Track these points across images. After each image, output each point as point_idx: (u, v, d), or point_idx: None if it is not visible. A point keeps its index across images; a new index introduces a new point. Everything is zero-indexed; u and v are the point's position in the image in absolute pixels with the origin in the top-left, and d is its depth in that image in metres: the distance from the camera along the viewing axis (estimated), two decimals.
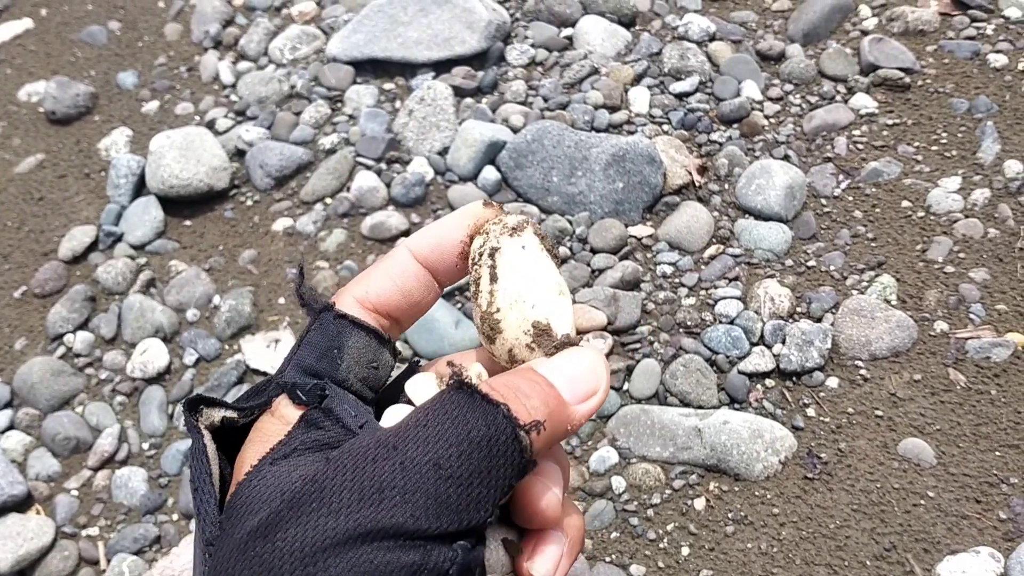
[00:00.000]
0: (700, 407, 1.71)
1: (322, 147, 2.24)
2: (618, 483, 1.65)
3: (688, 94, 2.22)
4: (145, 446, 1.82)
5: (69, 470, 1.81)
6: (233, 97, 2.41)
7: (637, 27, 2.42)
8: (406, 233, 2.04)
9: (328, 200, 2.14)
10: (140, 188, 2.24)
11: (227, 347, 1.93)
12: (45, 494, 1.77)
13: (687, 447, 1.66)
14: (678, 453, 1.66)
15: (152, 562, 1.66)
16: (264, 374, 1.86)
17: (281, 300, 2.00)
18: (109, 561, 1.67)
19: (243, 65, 2.49)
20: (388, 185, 2.12)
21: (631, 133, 2.11)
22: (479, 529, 0.42)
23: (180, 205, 2.19)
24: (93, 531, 1.72)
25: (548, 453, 0.48)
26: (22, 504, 1.75)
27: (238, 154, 2.26)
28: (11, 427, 1.86)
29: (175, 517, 1.72)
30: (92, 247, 2.15)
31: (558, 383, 0.47)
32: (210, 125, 2.32)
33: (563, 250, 1.94)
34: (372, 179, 2.12)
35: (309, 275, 2.02)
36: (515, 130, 2.14)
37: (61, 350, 1.97)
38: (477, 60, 2.35)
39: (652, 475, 1.65)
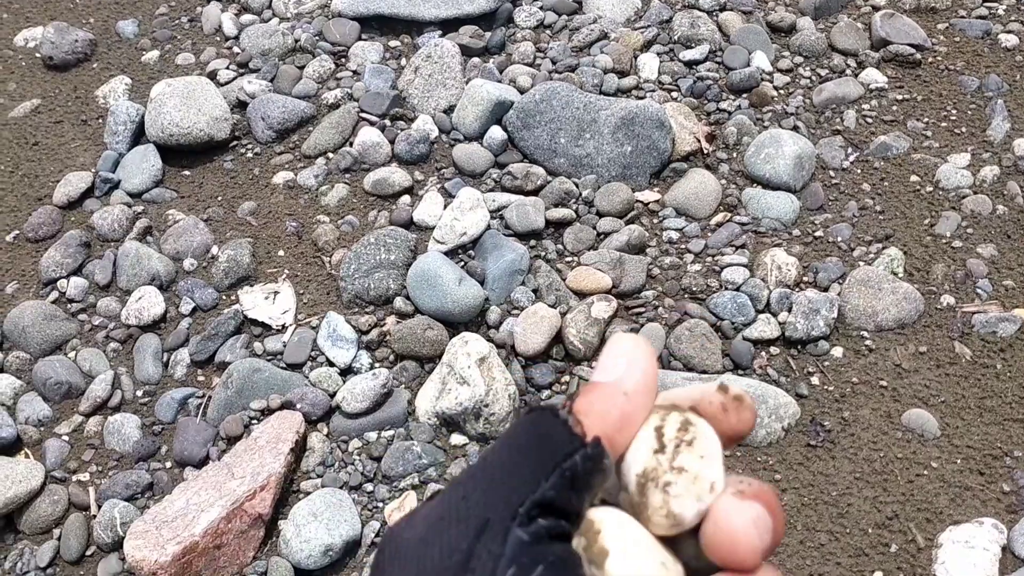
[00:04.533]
0: (704, 372, 1.69)
1: (325, 101, 2.20)
2: None
3: (698, 62, 2.20)
4: (139, 393, 1.79)
5: (60, 415, 1.78)
6: (235, 49, 2.37)
7: None
8: (409, 190, 2.01)
9: (330, 155, 2.11)
10: (139, 136, 2.20)
11: (224, 297, 1.90)
12: (35, 438, 1.74)
13: None
14: None
15: (144, 509, 1.63)
16: (263, 325, 1.83)
17: (280, 252, 1.97)
18: (100, 507, 1.64)
19: (246, 18, 2.44)
20: (392, 142, 2.09)
21: (640, 99, 2.08)
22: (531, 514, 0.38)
23: (179, 154, 2.15)
24: (84, 477, 1.69)
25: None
26: (10, 447, 1.72)
27: (239, 106, 2.22)
28: (1, 370, 1.83)
29: (168, 465, 1.70)
30: (87, 193, 2.11)
31: (593, 376, 0.43)
32: (211, 76, 2.28)
33: (568, 212, 1.91)
34: (376, 135, 2.09)
35: (309, 228, 1.99)
36: (522, 91, 2.11)
37: (54, 295, 1.93)
38: (485, 20, 2.32)
39: None
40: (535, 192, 1.95)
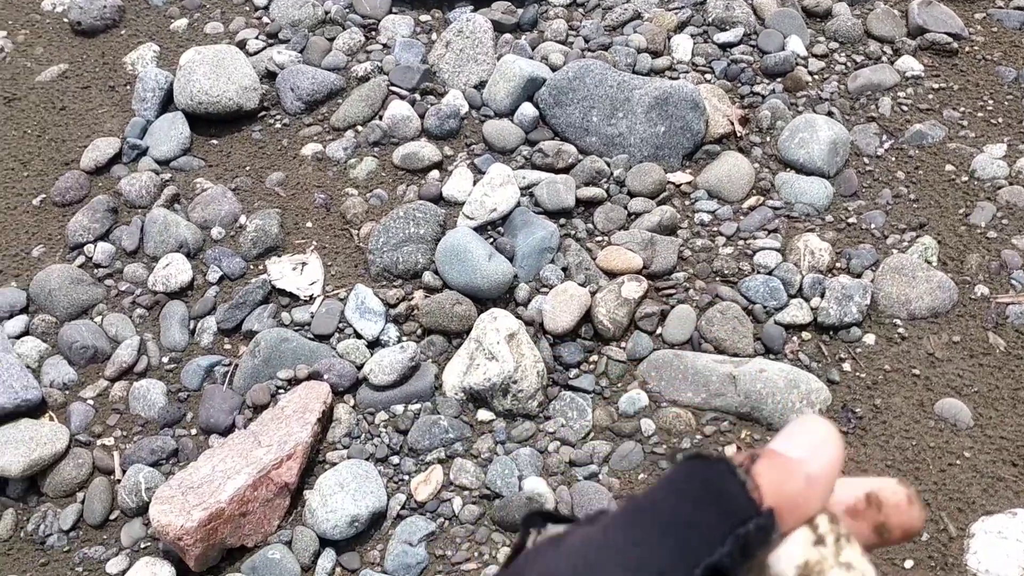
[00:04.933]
0: (735, 355, 1.68)
1: (355, 74, 2.19)
2: (647, 426, 1.63)
3: (732, 45, 2.17)
4: (165, 360, 1.78)
5: (85, 379, 1.77)
6: (265, 19, 2.35)
7: None
8: (439, 165, 2.00)
9: (359, 127, 2.09)
10: (167, 104, 2.18)
11: (252, 267, 1.89)
12: (60, 401, 1.74)
13: (720, 394, 1.63)
14: (710, 399, 1.63)
15: (169, 475, 1.62)
16: (290, 295, 1.82)
17: (308, 224, 1.95)
18: (124, 471, 1.63)
19: None
20: (422, 116, 2.07)
21: (673, 79, 2.06)
22: None
23: (207, 123, 2.14)
24: (108, 441, 1.69)
25: None
26: (35, 410, 1.71)
27: (268, 76, 2.21)
28: (26, 332, 1.82)
29: (193, 431, 1.69)
30: (115, 159, 2.10)
31: (775, 444, 0.41)
32: (241, 45, 2.27)
33: (599, 191, 1.90)
34: (405, 109, 2.07)
35: (338, 200, 1.98)
36: (554, 68, 2.09)
37: (80, 259, 1.93)
38: None
39: (683, 420, 1.62)
40: (566, 170, 1.93)
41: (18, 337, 1.80)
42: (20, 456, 1.60)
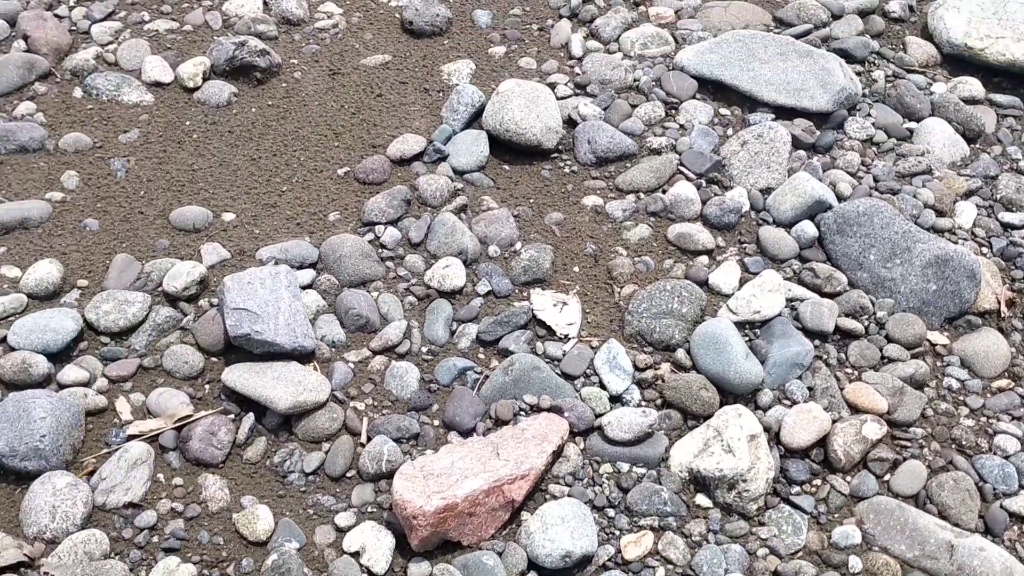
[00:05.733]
0: (956, 525, 1.71)
1: (649, 145, 2.32)
2: (855, 563, 1.67)
3: (1015, 227, 2.21)
4: (423, 349, 1.93)
5: (351, 343, 1.93)
6: (577, 70, 2.51)
7: (978, 145, 2.42)
8: (710, 252, 2.10)
9: (642, 195, 2.22)
10: (472, 120, 2.36)
11: (518, 291, 2.03)
12: (325, 356, 1.90)
13: (934, 557, 1.66)
14: (922, 559, 1.67)
15: (407, 454, 1.76)
16: (548, 328, 1.94)
17: (576, 268, 2.08)
18: (370, 438, 1.78)
19: (592, 44, 2.59)
20: (704, 202, 2.18)
21: (953, 243, 2.11)
22: None
23: (505, 149, 2.30)
24: (359, 405, 1.84)
25: None
26: (305, 357, 1.88)
27: (568, 123, 2.36)
28: (310, 286, 2.00)
29: (436, 423, 1.82)
30: (417, 156, 2.28)
31: None
32: (551, 87, 2.42)
33: (858, 326, 1.96)
34: (690, 191, 2.19)
35: (606, 255, 2.10)
36: (840, 197, 2.17)
37: (369, 236, 2.10)
38: (818, 118, 2.39)
39: (891, 569, 1.66)
40: (831, 295, 2.00)
41: (303, 288, 1.98)
42: (288, 394, 1.77)
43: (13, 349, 1.84)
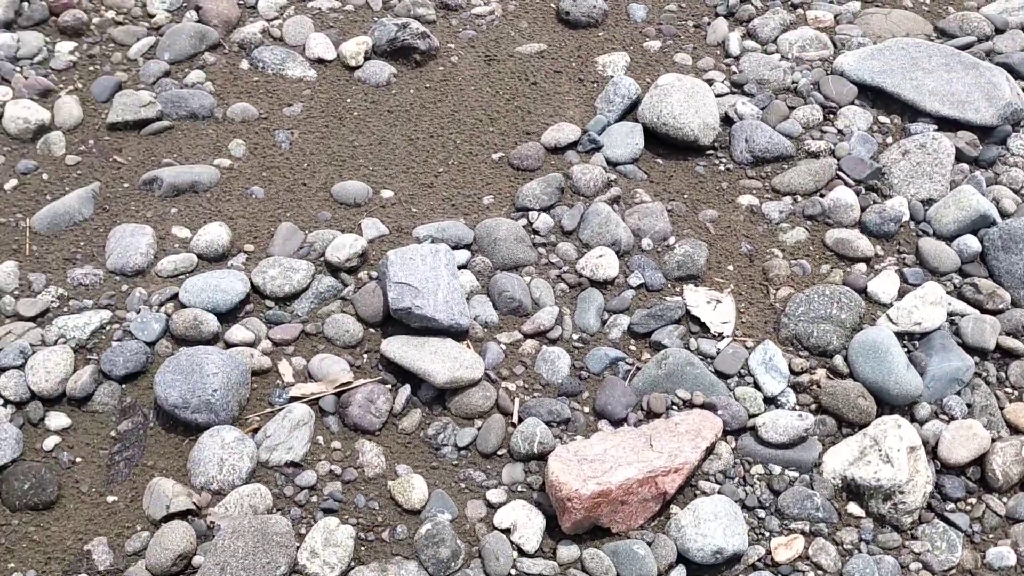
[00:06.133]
0: None
1: (806, 148, 2.29)
2: None
3: None
4: (575, 337, 1.95)
5: (503, 325, 1.96)
6: (734, 68, 2.50)
7: None
8: (868, 260, 2.07)
9: (799, 197, 2.19)
10: (627, 112, 2.36)
11: (670, 286, 2.03)
12: (478, 336, 1.93)
13: None
14: None
15: (558, 438, 1.78)
16: (702, 325, 1.94)
17: (730, 267, 2.07)
18: (521, 419, 1.80)
19: (750, 43, 2.57)
20: (863, 209, 2.14)
21: None
22: None
23: (659, 143, 2.30)
24: (511, 386, 1.87)
25: None
26: (459, 335, 1.91)
27: (725, 121, 2.34)
28: (464, 267, 2.03)
29: (586, 410, 1.84)
30: (572, 145, 2.30)
31: None
32: (708, 84, 2.41)
33: (1021, 345, 1.91)
34: (850, 197, 2.15)
35: (762, 256, 2.08)
36: (1004, 214, 2.12)
37: (523, 221, 2.13)
38: (981, 132, 2.33)
39: None
40: (993, 312, 1.95)
41: (461, 267, 2.01)
42: (446, 369, 1.80)
43: (184, 306, 1.92)
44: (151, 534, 1.64)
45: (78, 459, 1.75)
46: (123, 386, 1.83)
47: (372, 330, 1.94)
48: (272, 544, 1.58)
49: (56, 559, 1.63)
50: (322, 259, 2.03)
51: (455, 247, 2.05)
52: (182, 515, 1.66)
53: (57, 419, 1.79)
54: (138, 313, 1.91)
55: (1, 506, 1.69)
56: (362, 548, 1.65)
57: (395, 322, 1.91)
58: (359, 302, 1.95)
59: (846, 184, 2.20)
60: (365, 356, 1.90)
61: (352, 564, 1.63)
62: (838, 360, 1.86)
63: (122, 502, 1.70)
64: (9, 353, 1.83)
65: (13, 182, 2.19)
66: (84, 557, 1.62)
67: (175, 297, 1.94)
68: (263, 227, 2.11)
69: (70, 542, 1.65)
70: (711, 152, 2.30)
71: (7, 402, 1.80)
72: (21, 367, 1.82)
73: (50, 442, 1.76)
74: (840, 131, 2.33)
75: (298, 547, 1.62)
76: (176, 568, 1.59)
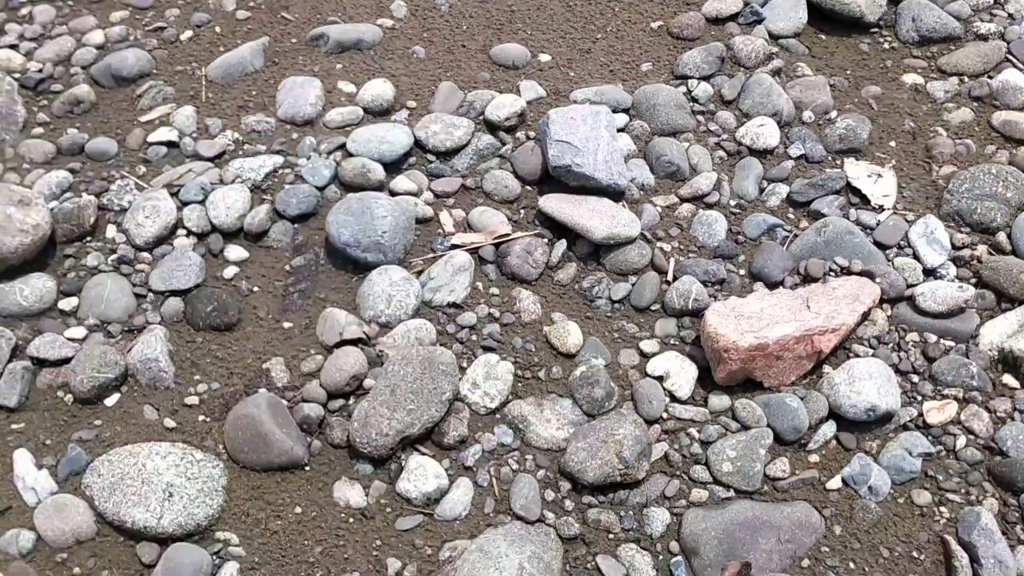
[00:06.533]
0: None
1: (975, 30, 2.22)
2: None
3: None
4: (732, 203, 1.96)
5: (660, 189, 1.98)
6: None
7: None
8: None
9: (965, 79, 2.13)
10: None
11: (830, 158, 2.01)
12: (635, 198, 1.96)
13: None
14: None
15: (712, 297, 1.81)
16: (862, 197, 1.93)
17: (892, 143, 2.04)
18: (676, 277, 1.83)
19: None
20: None
21: None
22: None
23: (823, 18, 2.26)
24: (666, 247, 1.90)
25: None
26: (616, 195, 1.94)
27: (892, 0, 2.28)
28: (622, 130, 2.05)
29: (742, 272, 1.86)
30: (732, 17, 2.27)
31: None
32: None
33: None
34: (1020, 79, 2.09)
35: (925, 134, 2.04)
36: None
37: (682, 89, 2.12)
38: None
39: None
40: None
41: (619, 130, 2.03)
42: (604, 225, 1.84)
43: (351, 155, 1.99)
44: (324, 358, 1.74)
45: (255, 288, 1.86)
46: (296, 225, 1.93)
47: (529, 187, 1.98)
48: (438, 372, 1.66)
49: (238, 374, 1.75)
50: (481, 118, 2.07)
51: (613, 111, 2.07)
52: (352, 342, 1.75)
53: (236, 251, 1.90)
54: (308, 159, 2.00)
55: (186, 325, 1.82)
56: (519, 384, 1.73)
57: (551, 180, 1.95)
58: (517, 160, 2.00)
59: (1015, 67, 2.12)
60: (522, 212, 1.95)
61: (510, 397, 1.70)
62: (1001, 237, 1.84)
63: (297, 328, 1.80)
64: (191, 189, 1.94)
65: (188, 33, 2.29)
66: (263, 374, 1.74)
67: (343, 147, 2.02)
68: (424, 85, 2.16)
69: (250, 360, 1.77)
70: (875, 30, 2.25)
71: (190, 233, 1.91)
72: (202, 202, 1.93)
73: (229, 272, 1.88)
74: (1010, 15, 2.25)
75: (460, 379, 1.70)
76: (349, 388, 1.69)
